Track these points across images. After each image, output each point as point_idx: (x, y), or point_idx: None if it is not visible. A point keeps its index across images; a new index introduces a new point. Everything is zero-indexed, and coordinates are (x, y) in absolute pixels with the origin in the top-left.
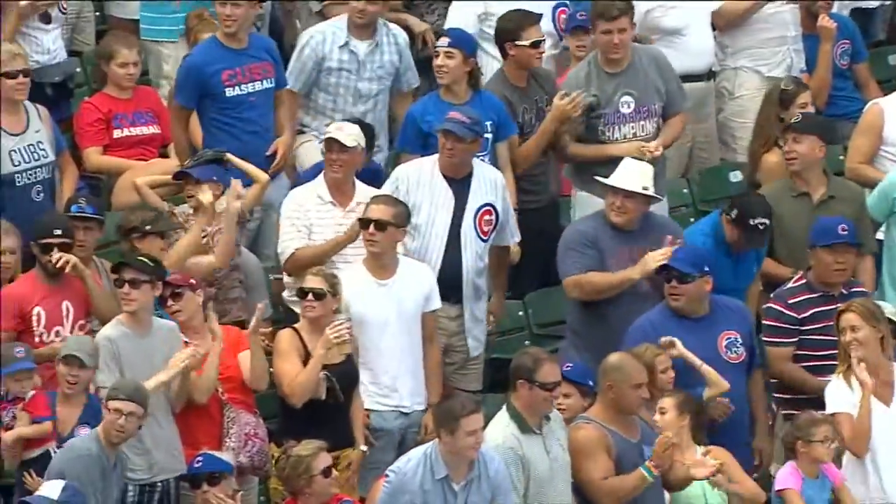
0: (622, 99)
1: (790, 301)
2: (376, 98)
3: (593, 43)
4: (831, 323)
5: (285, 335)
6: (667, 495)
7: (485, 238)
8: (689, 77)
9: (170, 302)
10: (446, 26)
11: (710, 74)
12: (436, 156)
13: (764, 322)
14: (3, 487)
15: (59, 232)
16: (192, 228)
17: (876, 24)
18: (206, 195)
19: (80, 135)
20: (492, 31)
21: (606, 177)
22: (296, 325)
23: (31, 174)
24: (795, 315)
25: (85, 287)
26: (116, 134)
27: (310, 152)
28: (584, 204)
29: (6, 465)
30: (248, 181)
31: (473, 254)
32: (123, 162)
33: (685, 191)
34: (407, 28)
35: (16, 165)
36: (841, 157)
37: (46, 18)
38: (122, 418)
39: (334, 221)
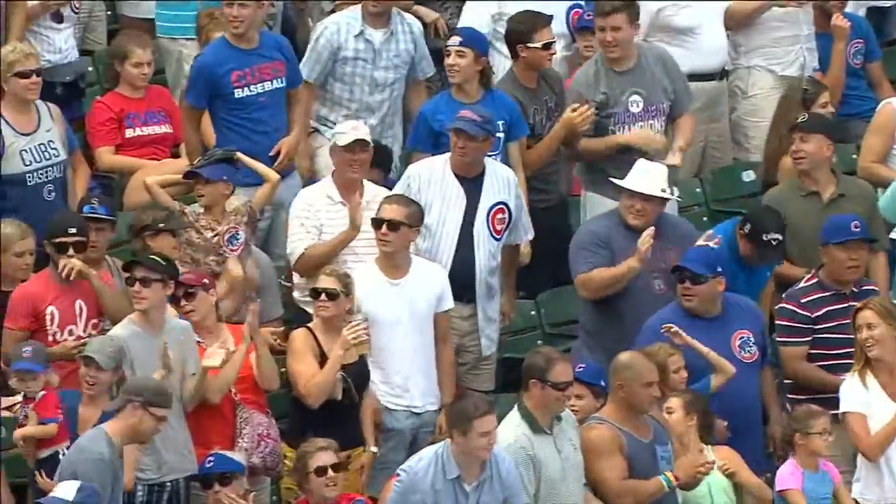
0: (631, 98)
1: (803, 300)
2: (392, 87)
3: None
4: (844, 321)
5: (300, 335)
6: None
7: (498, 237)
8: (701, 76)
9: (183, 302)
10: (459, 26)
11: (722, 74)
12: (447, 154)
13: (777, 322)
14: (18, 487)
15: (73, 230)
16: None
17: (891, 23)
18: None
19: (93, 134)
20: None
21: (618, 177)
22: (309, 325)
23: (42, 173)
24: (809, 314)
25: (92, 288)
26: (128, 133)
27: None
28: (596, 205)
29: (29, 461)
30: (258, 180)
31: (486, 253)
32: (135, 161)
33: (698, 190)
34: (418, 18)
35: (27, 165)
36: (854, 157)
37: (58, 18)
38: (161, 424)
39: (345, 221)
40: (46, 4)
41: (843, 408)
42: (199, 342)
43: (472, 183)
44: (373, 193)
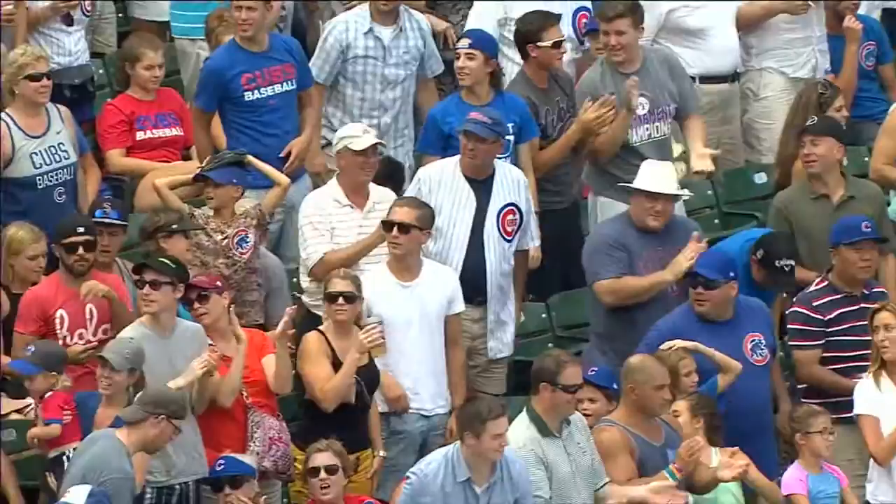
0: (639, 99)
1: (815, 303)
2: (403, 84)
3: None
4: (857, 323)
5: (312, 339)
6: (690, 498)
7: (509, 238)
8: (713, 78)
9: (196, 304)
10: (466, 29)
11: (734, 76)
12: (457, 157)
13: (789, 326)
14: (30, 490)
15: (81, 230)
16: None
17: None
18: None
19: (103, 137)
20: (512, 36)
21: (626, 181)
22: (320, 328)
23: (52, 176)
24: (821, 317)
25: (112, 308)
26: (139, 136)
27: None
28: (608, 209)
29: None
30: (268, 183)
31: (497, 255)
32: (146, 164)
33: (709, 192)
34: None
35: (37, 168)
36: (866, 159)
37: (68, 20)
38: (177, 433)
39: (355, 224)
40: (56, 7)
41: (856, 410)
42: (210, 345)
43: (482, 185)
44: (378, 195)
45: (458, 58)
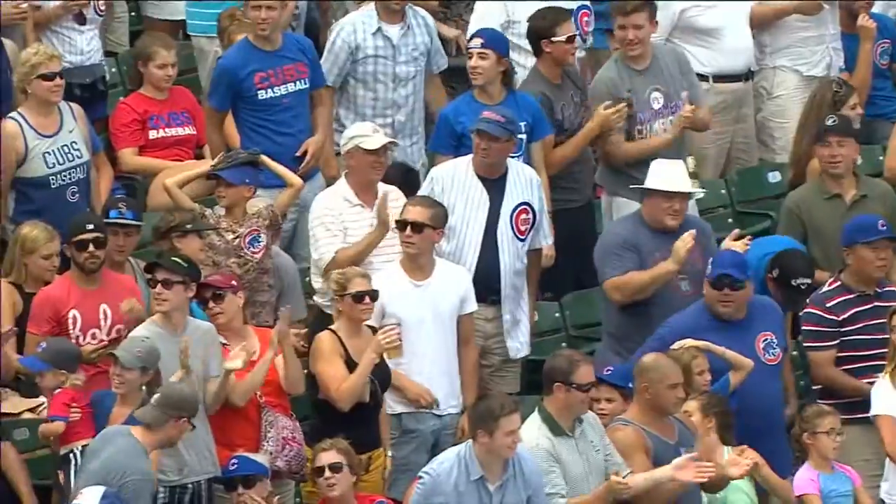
0: (652, 95)
1: (828, 304)
2: (414, 80)
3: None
4: (871, 322)
5: (326, 338)
6: (705, 499)
7: (522, 237)
8: (726, 77)
9: (211, 304)
10: (470, 33)
11: (748, 75)
12: (470, 156)
13: (804, 328)
14: (43, 489)
15: (91, 227)
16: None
17: None
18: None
19: (116, 136)
20: (517, 39)
21: (642, 179)
22: (332, 327)
23: (65, 175)
24: (836, 318)
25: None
26: (152, 135)
27: None
28: (623, 209)
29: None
30: (281, 182)
31: (511, 254)
32: (159, 162)
33: (723, 191)
34: (439, 35)
35: (50, 167)
36: (881, 158)
37: (81, 19)
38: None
39: (366, 222)
40: (67, 5)
41: (873, 410)
42: (224, 344)
43: (495, 184)
44: (385, 192)
45: (470, 57)
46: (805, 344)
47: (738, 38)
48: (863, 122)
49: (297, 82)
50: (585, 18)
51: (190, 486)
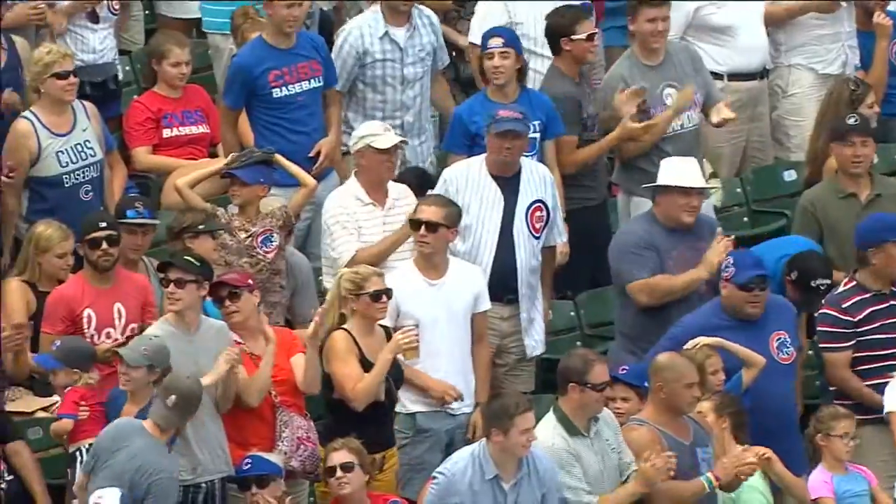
0: (665, 91)
1: (844, 305)
2: (422, 81)
3: (635, 34)
4: (887, 321)
5: (340, 337)
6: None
7: (537, 235)
8: (741, 76)
9: (227, 303)
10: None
11: (763, 73)
12: (483, 156)
13: (819, 329)
14: (56, 487)
15: (104, 224)
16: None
17: None
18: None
19: (130, 134)
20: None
21: (650, 181)
22: (345, 327)
23: (79, 174)
24: (851, 318)
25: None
26: (166, 133)
27: None
28: (642, 208)
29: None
30: (295, 181)
31: (527, 252)
32: (173, 161)
33: (738, 190)
34: (451, 44)
35: (63, 166)
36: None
37: (94, 18)
38: None
39: (378, 221)
40: (79, 4)
41: (886, 407)
42: (239, 343)
43: (508, 182)
44: (397, 192)
45: (490, 57)
46: (820, 345)
47: (753, 37)
48: (879, 120)
49: (312, 80)
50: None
51: (203, 485)
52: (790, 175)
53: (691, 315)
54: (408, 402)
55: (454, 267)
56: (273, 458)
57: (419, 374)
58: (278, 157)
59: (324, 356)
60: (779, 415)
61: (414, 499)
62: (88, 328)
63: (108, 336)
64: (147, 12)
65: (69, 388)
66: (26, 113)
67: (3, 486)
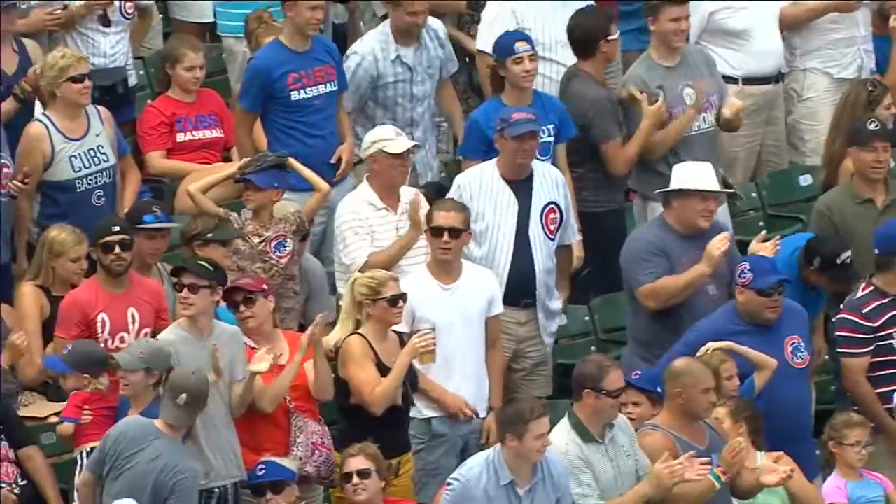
0: (685, 91)
1: (864, 310)
2: (429, 96)
3: (655, 33)
4: None
5: (356, 342)
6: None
7: (552, 237)
8: (756, 79)
9: (242, 308)
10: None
11: (778, 77)
12: (495, 160)
13: (838, 334)
14: (70, 492)
15: (117, 229)
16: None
17: None
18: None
19: (144, 138)
20: None
21: (663, 187)
22: (360, 332)
23: (91, 179)
24: (871, 324)
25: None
26: (180, 137)
27: None
28: (658, 213)
29: None
30: (309, 185)
31: (544, 254)
32: (186, 165)
33: (754, 195)
34: (462, 49)
35: (76, 171)
36: None
37: (105, 21)
38: None
39: (392, 226)
40: (89, 5)
41: None
42: (254, 348)
43: (522, 186)
44: (409, 196)
45: (520, 61)
46: (838, 350)
47: (768, 41)
48: (894, 122)
49: (327, 84)
50: None
51: (216, 490)
52: (806, 179)
53: (706, 320)
54: (423, 408)
55: (467, 271)
56: (287, 463)
57: (435, 387)
58: (291, 160)
59: (339, 361)
60: (793, 419)
61: None
62: (102, 332)
63: (123, 341)
64: (161, 16)
65: (75, 391)
66: (40, 116)
67: (16, 490)
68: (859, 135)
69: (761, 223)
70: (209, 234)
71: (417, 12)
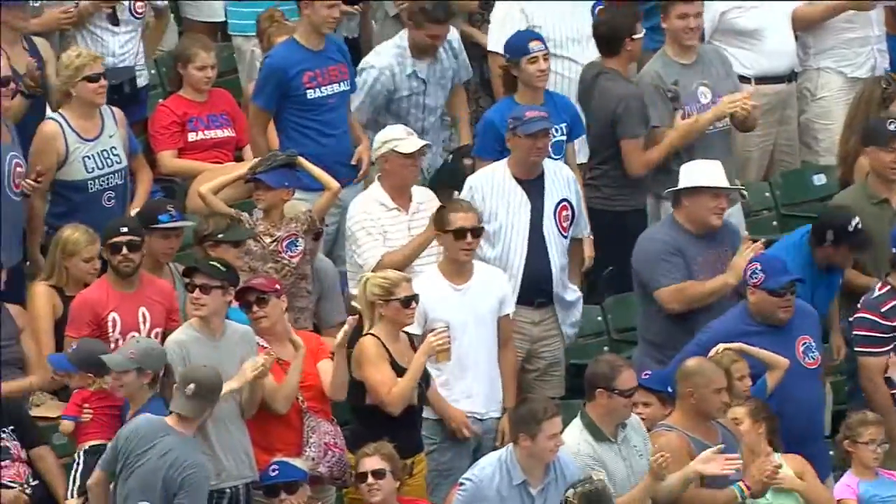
0: (700, 89)
1: (883, 309)
2: (441, 105)
3: (667, 31)
4: None
5: (370, 343)
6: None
7: (565, 234)
8: (769, 79)
9: (255, 308)
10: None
11: (791, 76)
12: (505, 160)
13: (856, 333)
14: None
15: (125, 230)
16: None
17: None
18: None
19: (155, 138)
20: None
21: (668, 187)
22: (373, 332)
23: (103, 180)
24: (890, 323)
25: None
26: (191, 137)
27: None
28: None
29: None
30: (320, 185)
31: (559, 251)
32: (198, 165)
33: (767, 195)
34: (475, 44)
35: (89, 172)
36: None
37: (114, 20)
38: None
39: (404, 226)
40: (97, 4)
41: None
42: (265, 347)
43: (533, 184)
44: (421, 196)
45: (535, 61)
46: (857, 349)
47: (780, 40)
48: None
49: (341, 83)
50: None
51: (228, 490)
52: (819, 179)
53: (718, 321)
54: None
55: (478, 271)
56: (298, 463)
57: (439, 401)
58: (301, 159)
59: (353, 363)
60: (805, 420)
61: None
62: (114, 332)
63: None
64: (172, 16)
65: (77, 389)
66: (54, 115)
67: (28, 490)
68: (879, 135)
69: (775, 223)
70: (221, 235)
71: (439, 36)
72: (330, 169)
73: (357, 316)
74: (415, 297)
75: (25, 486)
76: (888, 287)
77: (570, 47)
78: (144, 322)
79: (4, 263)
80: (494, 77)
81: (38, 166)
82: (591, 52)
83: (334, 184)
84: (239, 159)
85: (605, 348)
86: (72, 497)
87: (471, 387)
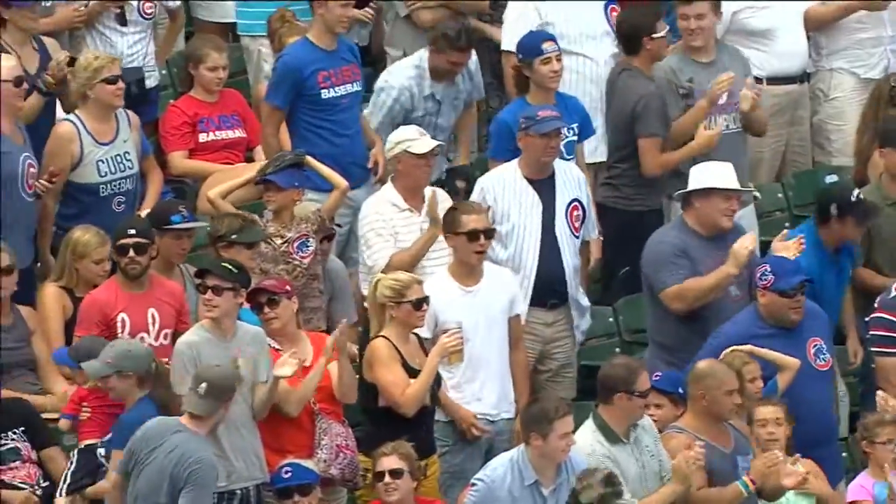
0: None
1: None
2: (452, 124)
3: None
4: None
5: (382, 345)
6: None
7: (577, 234)
8: (781, 79)
9: (266, 309)
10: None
11: (803, 76)
12: (516, 161)
13: (872, 332)
14: None
15: (132, 232)
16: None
17: None
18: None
19: (166, 139)
20: None
21: (681, 188)
22: (383, 334)
23: (115, 185)
24: None
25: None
26: (202, 138)
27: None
28: None
29: None
30: (331, 185)
31: (571, 251)
32: (208, 166)
33: (779, 195)
34: (488, 39)
35: (102, 176)
36: None
37: (122, 20)
38: None
39: (416, 227)
40: (104, 4)
41: None
42: (277, 349)
43: (544, 185)
44: (434, 191)
45: (548, 62)
46: (872, 349)
47: (792, 40)
48: None
49: (353, 84)
50: (615, 14)
51: (238, 492)
52: (832, 179)
53: (729, 323)
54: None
55: (487, 272)
56: (310, 464)
57: (449, 402)
58: (309, 158)
59: (365, 364)
60: (816, 422)
61: None
62: (122, 332)
63: (142, 341)
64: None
65: (76, 388)
66: (70, 116)
67: (38, 491)
68: (894, 136)
69: (787, 224)
70: (234, 236)
71: (460, 63)
72: (345, 170)
73: (348, 319)
74: (426, 299)
75: (37, 487)
76: None
77: (585, 43)
78: (153, 323)
79: (17, 265)
80: (507, 77)
81: (51, 167)
82: (606, 49)
83: (343, 182)
84: (250, 160)
85: (617, 349)
86: (60, 496)
87: (482, 388)
